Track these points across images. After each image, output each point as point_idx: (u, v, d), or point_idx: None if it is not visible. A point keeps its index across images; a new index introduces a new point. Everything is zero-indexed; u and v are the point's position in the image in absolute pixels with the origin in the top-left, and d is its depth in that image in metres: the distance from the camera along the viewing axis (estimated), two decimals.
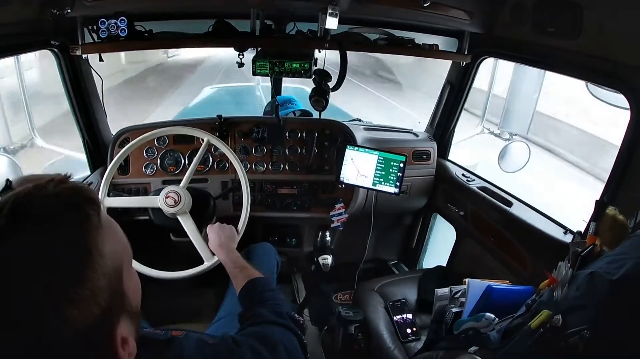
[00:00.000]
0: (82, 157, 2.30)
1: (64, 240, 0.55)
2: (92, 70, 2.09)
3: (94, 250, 0.56)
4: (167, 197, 1.83)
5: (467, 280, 1.84)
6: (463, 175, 2.47)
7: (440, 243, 2.77)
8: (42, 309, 0.51)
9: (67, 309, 0.52)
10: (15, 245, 0.52)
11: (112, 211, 1.88)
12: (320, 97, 2.03)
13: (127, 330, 0.62)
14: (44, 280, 0.52)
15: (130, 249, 0.69)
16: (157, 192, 1.90)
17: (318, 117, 2.24)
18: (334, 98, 2.17)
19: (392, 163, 2.17)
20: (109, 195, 1.94)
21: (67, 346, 0.53)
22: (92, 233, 0.57)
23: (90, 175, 2.23)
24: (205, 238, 1.80)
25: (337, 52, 1.99)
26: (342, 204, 2.38)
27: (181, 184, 1.91)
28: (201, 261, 1.83)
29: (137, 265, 1.79)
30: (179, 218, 1.86)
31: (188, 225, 1.86)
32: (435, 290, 1.95)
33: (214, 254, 1.78)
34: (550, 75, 2.29)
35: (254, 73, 1.97)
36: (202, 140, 2.00)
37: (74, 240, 0.55)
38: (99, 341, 0.57)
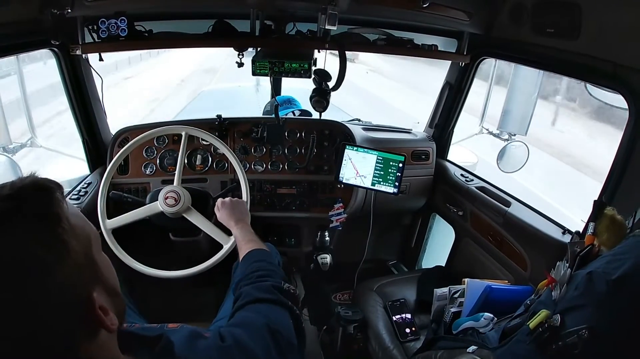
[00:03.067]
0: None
1: (35, 208, 0.63)
2: (92, 70, 2.09)
3: (62, 216, 0.64)
4: (166, 198, 1.84)
5: (466, 279, 1.85)
6: (462, 175, 2.47)
7: (439, 243, 2.77)
8: (25, 264, 0.59)
9: (47, 257, 0.60)
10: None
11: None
12: (321, 97, 2.03)
13: (105, 301, 0.67)
14: (23, 240, 0.60)
15: (99, 238, 0.75)
16: (154, 197, 1.90)
17: (318, 117, 2.24)
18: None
19: (391, 163, 2.18)
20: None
21: (50, 301, 0.60)
22: (58, 203, 0.65)
23: (89, 174, 2.23)
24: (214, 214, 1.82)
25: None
26: (341, 204, 2.38)
27: (174, 183, 1.92)
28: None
29: (147, 269, 1.79)
30: (184, 215, 1.86)
31: (195, 218, 1.87)
32: (434, 289, 1.96)
33: (230, 235, 1.79)
34: None
35: (254, 73, 1.97)
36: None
37: (43, 207, 0.63)
38: (77, 298, 0.63)
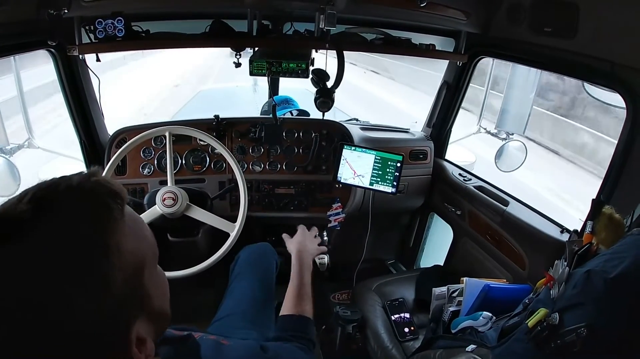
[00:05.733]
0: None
1: (82, 232, 0.54)
2: (89, 71, 2.08)
3: (111, 245, 0.56)
4: (164, 200, 1.84)
5: (464, 279, 1.85)
6: (460, 174, 2.47)
7: (438, 243, 2.78)
8: (52, 297, 0.50)
9: (79, 299, 0.52)
10: (36, 236, 0.52)
11: None
12: (326, 97, 2.03)
13: (145, 331, 0.60)
14: (58, 269, 0.51)
15: (156, 249, 0.67)
16: (152, 200, 1.90)
17: (322, 117, 2.24)
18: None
19: (389, 162, 2.18)
20: None
21: (77, 337, 0.52)
22: (112, 228, 0.57)
23: None
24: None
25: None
26: (339, 204, 2.38)
27: (168, 184, 1.92)
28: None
29: None
30: (185, 213, 1.86)
31: (197, 213, 1.88)
32: (433, 289, 1.96)
33: (233, 222, 1.86)
34: None
35: (251, 73, 1.96)
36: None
37: (92, 232, 0.55)
38: (111, 337, 0.56)
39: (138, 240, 0.61)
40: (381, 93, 12.33)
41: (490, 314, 1.63)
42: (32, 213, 0.53)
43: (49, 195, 0.55)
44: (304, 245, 1.61)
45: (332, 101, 2.04)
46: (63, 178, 0.57)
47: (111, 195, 0.59)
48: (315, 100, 2.04)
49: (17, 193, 0.56)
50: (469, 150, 3.39)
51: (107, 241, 0.55)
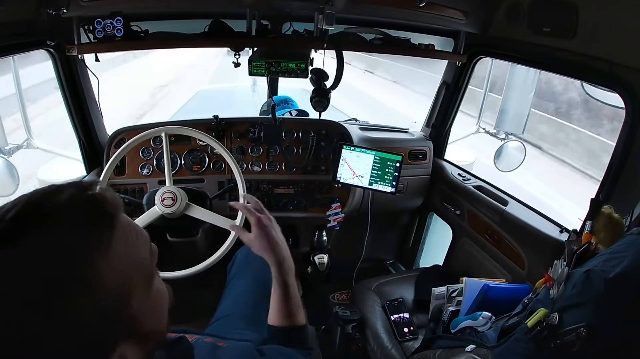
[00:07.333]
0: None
1: (59, 263, 0.50)
2: (89, 70, 2.08)
3: (90, 278, 0.51)
4: (163, 200, 1.83)
5: (463, 279, 1.85)
6: (459, 174, 2.48)
7: (437, 243, 2.77)
8: (19, 323, 0.47)
9: (46, 328, 0.48)
10: (9, 256, 0.48)
11: None
12: (321, 97, 2.03)
13: (132, 353, 0.56)
14: (24, 298, 0.47)
15: (152, 268, 0.64)
16: (151, 201, 1.89)
17: (318, 117, 2.24)
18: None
19: (388, 162, 2.18)
20: None
21: None
22: (96, 258, 0.52)
23: (86, 176, 2.22)
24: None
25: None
26: (339, 204, 2.38)
27: (167, 184, 1.91)
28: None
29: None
30: (185, 213, 1.86)
31: (197, 212, 1.87)
32: (432, 289, 1.96)
33: (234, 219, 1.81)
34: None
35: (250, 73, 1.96)
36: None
37: (70, 264, 0.50)
38: None
39: (127, 264, 0.57)
40: (376, 92, 12.40)
41: (490, 314, 1.63)
42: (10, 232, 0.49)
43: (35, 212, 0.51)
44: (275, 240, 1.32)
45: (328, 100, 2.04)
46: (55, 192, 0.53)
47: (102, 218, 0.54)
48: (311, 99, 2.05)
49: (16, 193, 0.54)
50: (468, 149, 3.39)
51: (85, 274, 0.51)
